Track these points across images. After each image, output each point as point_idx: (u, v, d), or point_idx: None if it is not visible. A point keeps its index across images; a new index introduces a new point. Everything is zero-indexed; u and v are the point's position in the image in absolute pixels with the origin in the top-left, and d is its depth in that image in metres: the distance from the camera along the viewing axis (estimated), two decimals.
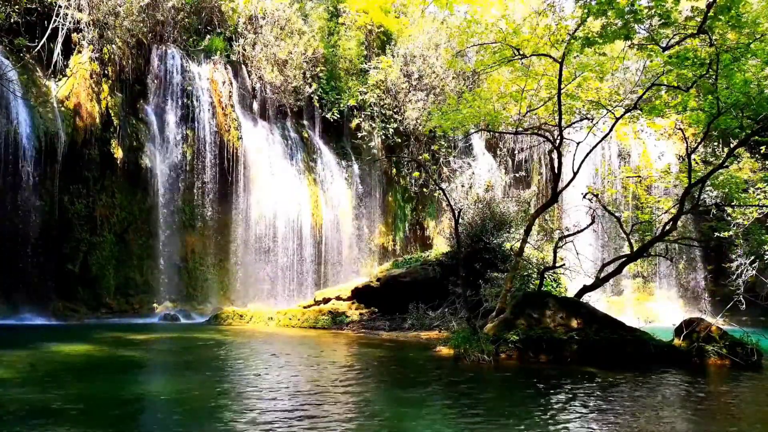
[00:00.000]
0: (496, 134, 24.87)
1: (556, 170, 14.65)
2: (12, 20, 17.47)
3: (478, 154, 27.70)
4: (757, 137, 15.57)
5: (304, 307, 19.38)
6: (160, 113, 20.90)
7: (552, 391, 8.44)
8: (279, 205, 22.63)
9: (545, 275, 14.31)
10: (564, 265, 14.68)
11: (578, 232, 14.27)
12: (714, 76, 11.17)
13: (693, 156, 13.97)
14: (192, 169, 21.06)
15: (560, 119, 13.30)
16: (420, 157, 24.68)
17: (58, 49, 18.43)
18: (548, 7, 13.38)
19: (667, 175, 21.32)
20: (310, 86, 24.39)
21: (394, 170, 27.27)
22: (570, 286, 18.00)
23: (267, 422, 6.37)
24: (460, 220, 16.37)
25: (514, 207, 19.69)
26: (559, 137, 13.81)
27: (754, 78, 11.69)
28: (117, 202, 19.62)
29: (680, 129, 15.21)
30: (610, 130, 14.13)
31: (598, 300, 16.33)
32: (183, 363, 10.79)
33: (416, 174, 26.39)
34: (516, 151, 27.86)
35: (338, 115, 25.33)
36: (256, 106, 23.89)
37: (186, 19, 22.28)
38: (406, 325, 16.53)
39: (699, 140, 15.89)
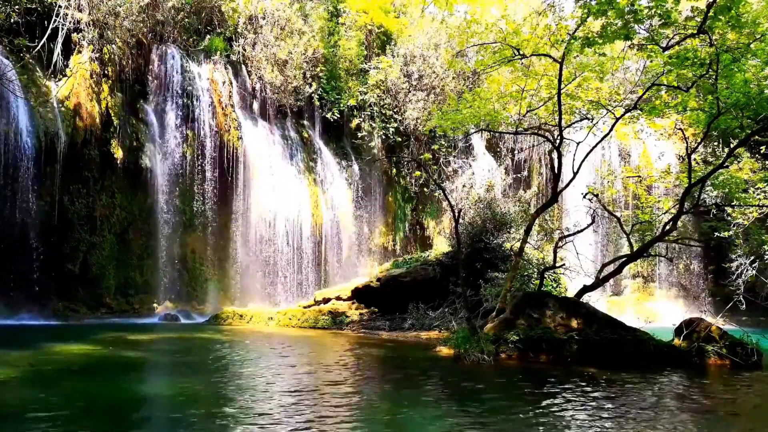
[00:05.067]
0: (496, 134, 24.88)
1: (556, 170, 14.66)
2: (12, 20, 17.47)
3: (478, 154, 27.70)
4: (757, 137, 15.60)
5: (304, 307, 19.38)
6: (160, 113, 20.90)
7: (552, 392, 8.43)
8: (279, 205, 22.63)
9: (545, 275, 14.31)
10: (564, 265, 14.69)
11: (578, 232, 14.28)
12: (714, 76, 11.17)
13: (693, 156, 13.97)
14: (192, 169, 21.06)
15: (560, 119, 13.30)
16: (421, 157, 24.68)
17: (58, 49, 18.43)
18: (548, 7, 13.38)
19: (667, 175, 21.32)
20: (310, 86, 24.39)
21: (394, 170, 27.26)
22: (570, 286, 18.00)
23: (267, 422, 6.37)
24: (461, 220, 16.37)
25: (515, 207, 19.69)
26: (559, 137, 13.81)
27: (754, 78, 11.69)
28: (117, 202, 19.62)
29: (680, 129, 15.21)
30: (610, 130, 14.14)
31: (598, 300, 16.33)
32: (183, 363, 10.79)
33: (417, 174, 26.39)
34: (516, 151, 27.87)
35: (338, 115, 25.32)
36: (256, 106, 23.89)
37: (186, 19, 22.29)
38: (406, 325, 16.53)
39: (699, 140, 15.89)
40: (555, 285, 17.67)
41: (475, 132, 20.61)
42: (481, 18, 15.04)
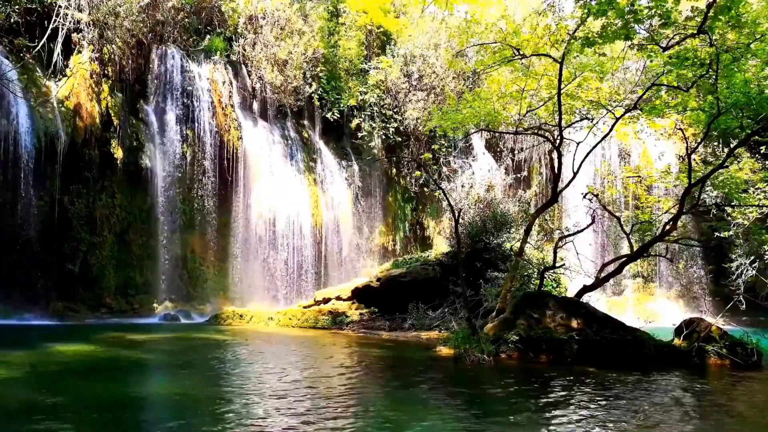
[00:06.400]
0: (496, 134, 24.88)
1: (556, 170, 14.66)
2: (12, 20, 17.47)
3: (478, 154, 27.69)
4: (757, 137, 15.58)
5: (304, 307, 19.37)
6: (160, 113, 20.90)
7: (552, 392, 8.44)
8: (279, 205, 22.63)
9: (545, 275, 14.31)
10: (564, 265, 14.68)
11: (578, 232, 14.27)
12: (714, 76, 11.17)
13: (693, 156, 13.97)
14: (192, 169, 21.06)
15: (560, 119, 13.30)
16: (421, 157, 24.67)
17: (58, 49, 18.42)
18: (548, 7, 13.39)
19: (667, 175, 21.31)
20: (310, 86, 24.39)
21: (394, 170, 27.26)
22: (570, 286, 18.00)
23: (267, 422, 6.37)
24: (461, 220, 16.37)
25: (515, 207, 19.69)
26: (559, 137, 13.81)
27: (754, 78, 11.70)
28: (117, 202, 19.61)
29: (680, 129, 15.20)
30: (610, 130, 14.13)
31: (598, 300, 16.33)
32: (183, 363, 10.79)
33: (417, 174, 26.39)
34: (516, 151, 27.86)
35: (338, 115, 25.32)
36: (256, 106, 23.89)
37: (186, 19, 22.29)
38: (406, 325, 16.54)
39: (699, 140, 15.88)
40: (555, 285, 17.67)
41: (475, 132, 20.61)
42: (481, 18, 15.06)
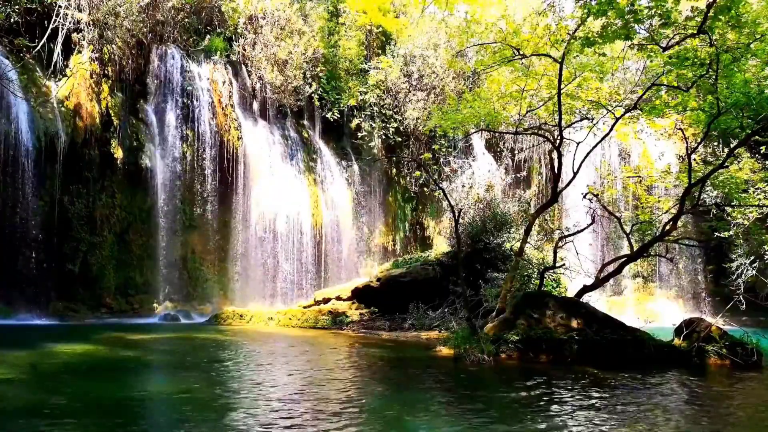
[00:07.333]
0: (496, 134, 24.88)
1: (556, 170, 14.66)
2: (12, 20, 17.47)
3: (478, 154, 27.69)
4: (757, 137, 15.57)
5: (304, 307, 19.38)
6: (160, 113, 20.90)
7: (552, 392, 8.43)
8: (279, 205, 22.63)
9: (545, 275, 14.31)
10: (564, 265, 14.67)
11: (578, 232, 14.27)
12: (714, 76, 11.17)
13: (693, 156, 13.96)
14: (192, 169, 21.07)
15: (560, 119, 13.30)
16: (420, 157, 24.67)
17: (58, 49, 18.43)
18: (548, 7, 13.38)
19: (667, 175, 21.29)
20: (310, 86, 24.39)
21: (394, 170, 27.26)
22: (570, 286, 18.00)
23: (266, 422, 6.37)
24: (461, 220, 16.37)
25: (515, 207, 19.69)
26: (559, 137, 13.81)
27: (754, 78, 11.70)
28: (117, 202, 19.62)
29: (680, 129, 15.19)
30: (610, 130, 14.12)
31: (598, 300, 16.30)
32: (183, 363, 10.79)
33: (417, 174, 26.39)
34: (516, 151, 27.86)
35: (338, 115, 25.33)
36: (256, 106, 23.89)
37: (186, 19, 22.29)
38: (406, 325, 16.54)
39: (699, 140, 15.89)
40: (555, 285, 17.67)
41: (475, 132, 20.61)
42: (481, 18, 15.06)
